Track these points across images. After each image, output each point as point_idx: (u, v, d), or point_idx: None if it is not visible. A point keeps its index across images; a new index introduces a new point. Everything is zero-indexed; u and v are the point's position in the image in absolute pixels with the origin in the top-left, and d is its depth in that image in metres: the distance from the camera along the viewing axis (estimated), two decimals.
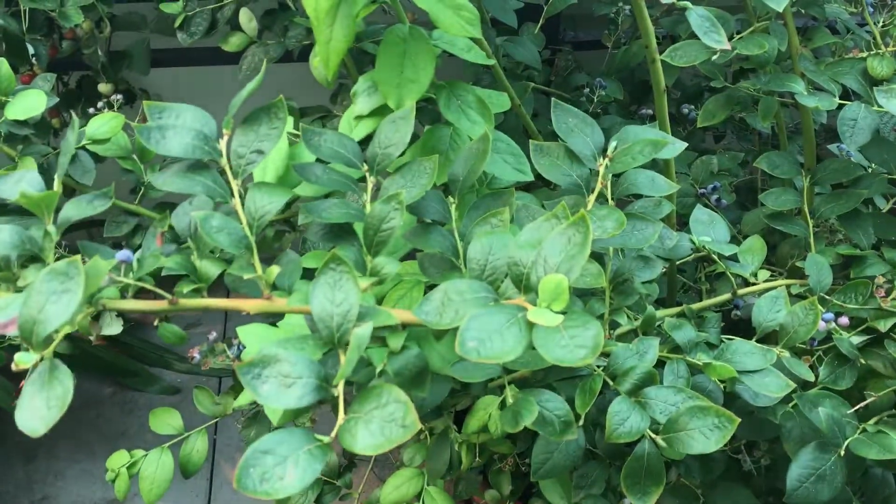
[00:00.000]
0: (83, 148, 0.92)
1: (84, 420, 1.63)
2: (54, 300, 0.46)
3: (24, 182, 0.53)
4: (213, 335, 0.89)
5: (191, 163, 0.58)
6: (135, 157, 0.97)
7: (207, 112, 0.61)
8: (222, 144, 0.60)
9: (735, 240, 1.05)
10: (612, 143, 0.70)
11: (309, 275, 0.63)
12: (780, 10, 0.77)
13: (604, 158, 0.71)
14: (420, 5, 0.66)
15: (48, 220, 0.53)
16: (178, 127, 0.57)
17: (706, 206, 1.10)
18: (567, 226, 0.51)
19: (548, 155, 0.71)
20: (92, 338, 0.57)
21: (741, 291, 0.90)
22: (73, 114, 0.64)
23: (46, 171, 0.97)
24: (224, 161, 0.59)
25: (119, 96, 1.07)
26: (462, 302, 0.53)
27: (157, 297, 0.55)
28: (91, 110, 1.04)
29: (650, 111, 1.22)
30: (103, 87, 1.29)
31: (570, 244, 0.50)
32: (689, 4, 0.72)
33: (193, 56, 1.35)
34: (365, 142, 0.73)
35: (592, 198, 0.70)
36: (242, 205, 0.59)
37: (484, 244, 0.58)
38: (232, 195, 0.59)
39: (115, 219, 1.03)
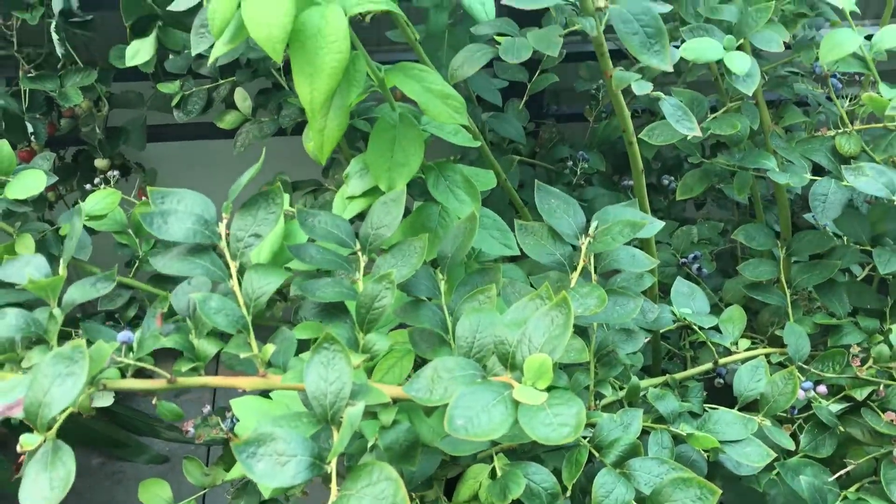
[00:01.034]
0: None
1: (73, 491, 1.60)
2: (59, 383, 0.48)
3: (30, 267, 0.56)
4: (206, 409, 0.90)
5: (190, 246, 0.61)
6: (130, 231, 0.99)
7: (203, 184, 0.64)
8: (221, 227, 0.62)
9: (717, 307, 1.08)
10: (594, 223, 0.73)
11: (301, 345, 0.65)
12: (750, 94, 0.82)
13: (586, 237, 0.74)
14: (410, 96, 0.70)
15: (53, 303, 0.55)
16: (180, 212, 0.60)
17: (688, 275, 1.13)
18: (550, 307, 0.53)
19: (532, 234, 0.74)
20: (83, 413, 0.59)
21: (723, 360, 0.92)
22: (79, 201, 0.66)
23: (43, 246, 0.99)
24: (223, 244, 0.62)
25: (115, 172, 1.09)
26: (451, 379, 0.55)
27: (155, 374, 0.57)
28: (88, 186, 1.07)
29: (632, 182, 1.26)
30: (100, 163, 1.31)
31: (553, 325, 0.53)
32: (661, 95, 0.76)
33: (189, 131, 1.38)
34: (357, 217, 0.76)
35: (576, 275, 0.73)
36: (240, 285, 0.61)
37: (472, 322, 0.61)
38: (230, 276, 0.61)
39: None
